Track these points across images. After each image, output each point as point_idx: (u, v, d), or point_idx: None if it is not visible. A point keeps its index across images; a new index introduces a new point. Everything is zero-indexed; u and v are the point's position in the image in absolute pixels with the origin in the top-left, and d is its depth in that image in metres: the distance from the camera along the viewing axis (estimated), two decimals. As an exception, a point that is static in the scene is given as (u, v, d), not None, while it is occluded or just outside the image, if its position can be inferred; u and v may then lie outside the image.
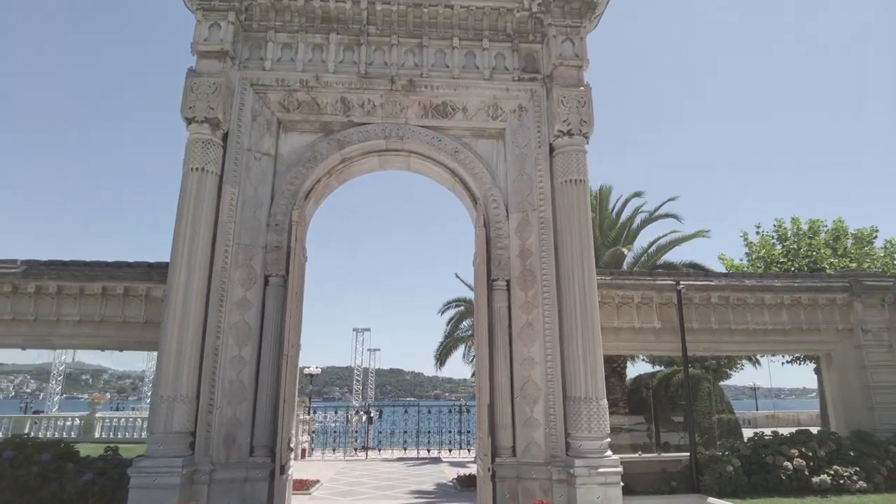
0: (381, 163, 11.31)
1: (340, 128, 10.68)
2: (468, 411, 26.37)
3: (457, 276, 26.06)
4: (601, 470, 8.63)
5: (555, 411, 9.35)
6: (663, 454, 10.96)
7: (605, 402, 9.14)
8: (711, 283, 10.85)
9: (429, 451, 24.77)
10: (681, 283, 10.53)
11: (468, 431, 25.42)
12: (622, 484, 8.66)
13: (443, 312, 25.80)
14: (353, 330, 39.52)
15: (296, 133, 10.74)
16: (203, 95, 9.83)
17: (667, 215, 18.44)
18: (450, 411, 26.07)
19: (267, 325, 9.56)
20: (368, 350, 42.97)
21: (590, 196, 10.76)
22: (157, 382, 8.60)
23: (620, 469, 8.69)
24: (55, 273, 10.08)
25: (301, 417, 23.72)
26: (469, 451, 24.53)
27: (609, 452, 8.96)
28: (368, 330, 40.63)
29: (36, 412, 36.24)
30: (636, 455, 10.47)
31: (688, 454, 10.61)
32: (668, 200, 19.11)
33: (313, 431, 25.01)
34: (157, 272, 9.82)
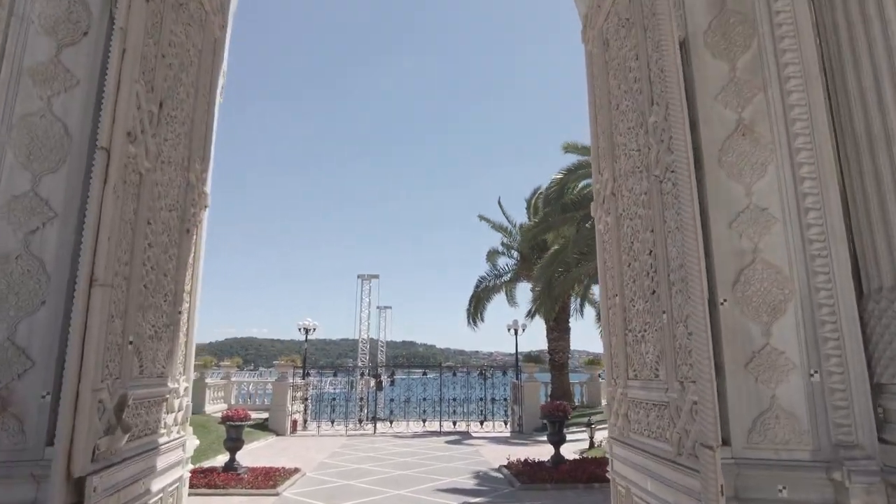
0: None
1: None
2: (505, 373, 21.18)
3: (498, 204, 20.65)
4: None
5: (837, 331, 3.68)
6: None
7: None
8: None
9: (454, 423, 19.45)
10: None
11: (504, 399, 20.15)
12: None
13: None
14: (358, 277, 30.86)
15: None
16: None
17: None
18: (480, 374, 20.67)
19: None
20: (378, 308, 35.46)
21: None
22: None
23: None
24: None
25: (293, 383, 18.71)
26: (506, 423, 19.22)
27: None
28: (377, 277, 31.33)
29: None
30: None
31: None
32: None
33: (306, 399, 19.76)
34: None
